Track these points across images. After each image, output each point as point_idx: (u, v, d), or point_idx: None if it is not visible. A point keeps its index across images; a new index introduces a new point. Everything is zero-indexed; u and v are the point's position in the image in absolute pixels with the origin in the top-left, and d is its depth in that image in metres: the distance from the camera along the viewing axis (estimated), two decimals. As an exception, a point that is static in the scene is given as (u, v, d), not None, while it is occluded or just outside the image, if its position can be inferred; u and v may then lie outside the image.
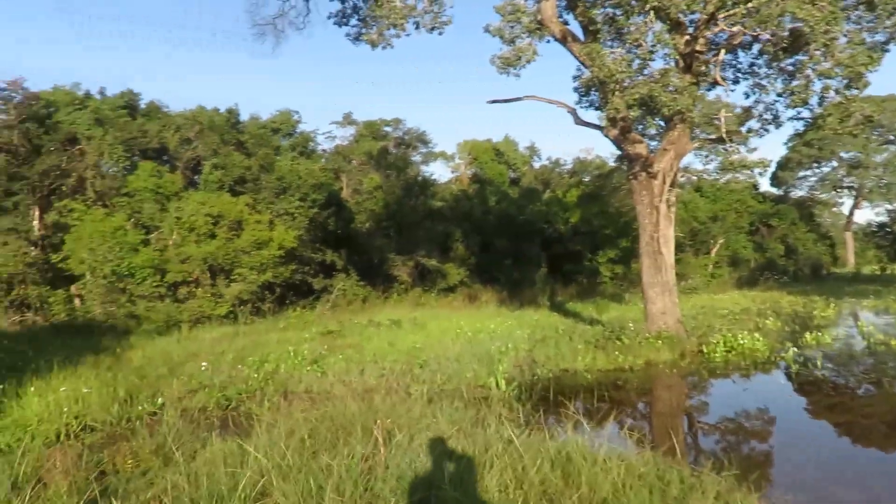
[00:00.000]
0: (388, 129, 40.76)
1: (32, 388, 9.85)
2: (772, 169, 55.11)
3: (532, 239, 34.87)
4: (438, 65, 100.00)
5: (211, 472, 5.58)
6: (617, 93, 13.56)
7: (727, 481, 5.50)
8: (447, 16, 15.50)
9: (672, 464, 5.80)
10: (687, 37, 14.42)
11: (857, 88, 13.24)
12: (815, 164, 57.27)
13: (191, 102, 57.75)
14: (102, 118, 30.27)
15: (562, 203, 38.12)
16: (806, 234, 50.97)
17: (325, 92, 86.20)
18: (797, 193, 58.82)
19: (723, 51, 14.91)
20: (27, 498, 5.19)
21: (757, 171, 20.53)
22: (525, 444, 5.93)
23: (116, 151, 29.26)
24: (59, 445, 7.32)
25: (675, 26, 14.12)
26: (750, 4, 12.41)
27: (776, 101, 15.49)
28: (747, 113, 16.22)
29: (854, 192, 58.75)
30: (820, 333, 16.12)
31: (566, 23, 15.98)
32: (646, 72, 13.78)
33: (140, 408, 9.40)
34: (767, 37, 13.45)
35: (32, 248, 24.92)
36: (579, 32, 15.72)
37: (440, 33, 15.31)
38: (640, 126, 16.72)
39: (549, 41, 15.67)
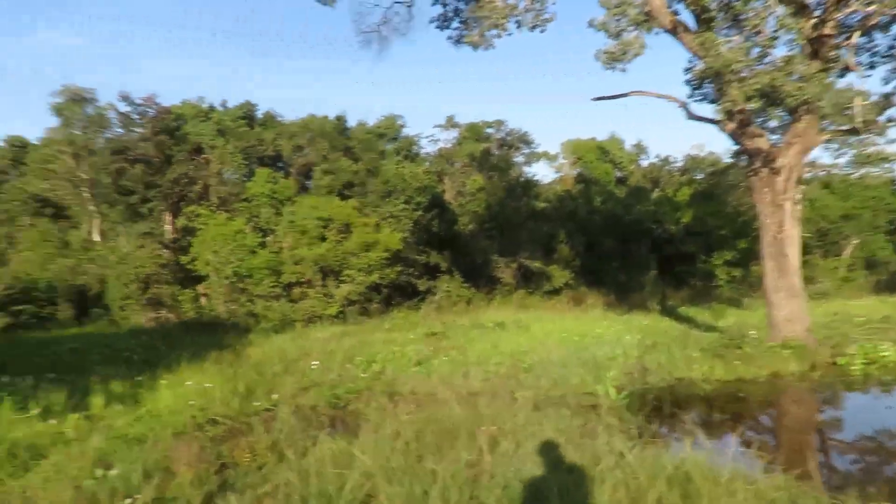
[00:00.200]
0: (490, 130, 40.72)
1: (164, 381, 10.63)
2: (915, 161, 49.56)
3: (640, 240, 33.54)
4: (540, 64, 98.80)
5: (320, 470, 5.70)
6: (734, 84, 12.64)
7: (875, 512, 4.90)
8: (550, 13, 15.15)
9: (808, 489, 5.26)
10: (814, 20, 13.21)
11: None
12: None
13: (303, 111, 60.65)
14: (224, 128, 32.49)
15: (672, 202, 36.39)
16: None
17: (428, 96, 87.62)
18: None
19: (856, 33, 13.54)
20: (156, 486, 5.54)
21: (897, 163, 18.51)
22: (639, 458, 5.59)
23: (236, 159, 31.31)
24: (185, 436, 7.80)
25: (800, 9, 12.98)
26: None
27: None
28: (886, 100, 14.63)
29: None
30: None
31: (676, 12, 15.12)
32: (766, 60, 12.79)
33: (257, 403, 9.87)
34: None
35: (165, 250, 27.12)
36: (691, 22, 14.84)
37: (542, 31, 14.99)
38: (761, 119, 15.55)
39: (657, 33, 14.91)
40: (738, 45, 12.44)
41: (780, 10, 12.14)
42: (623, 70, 14.02)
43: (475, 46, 15.15)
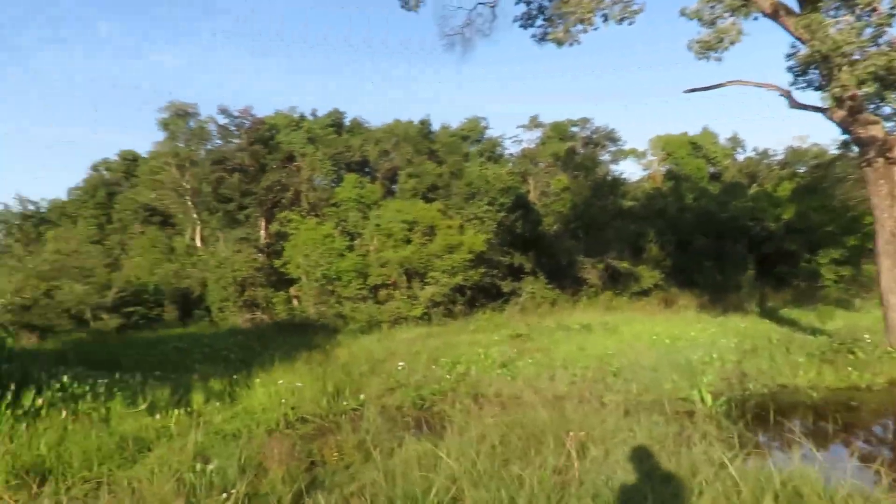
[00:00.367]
0: (575, 129, 39.97)
1: (258, 380, 11.07)
2: None
3: (736, 238, 31.78)
4: (626, 59, 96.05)
5: (406, 472, 5.71)
6: (845, 68, 11.69)
7: None
8: (638, 4, 14.61)
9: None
10: (937, -7, 11.99)
11: None
12: None
13: (388, 116, 61.89)
14: (314, 136, 33.68)
15: (772, 198, 34.25)
16: None
17: (511, 96, 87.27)
18: None
19: None
20: (249, 482, 5.73)
21: None
22: (741, 470, 5.20)
23: (325, 166, 32.37)
24: (277, 434, 8.06)
25: (921, -17, 11.82)
26: None
27: None
28: None
29: None
30: None
31: (777, -5, 14.20)
32: (882, 40, 11.73)
33: (345, 403, 10.08)
34: None
35: (260, 254, 28.42)
36: (793, 4, 13.87)
37: (630, 23, 14.48)
38: (874, 105, 14.29)
39: (756, 18, 14.05)
40: (850, 26, 11.50)
41: (897, -15, 11.13)
42: (719, 59, 13.30)
43: (560, 43, 14.85)
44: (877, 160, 13.11)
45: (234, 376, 11.69)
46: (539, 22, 16.16)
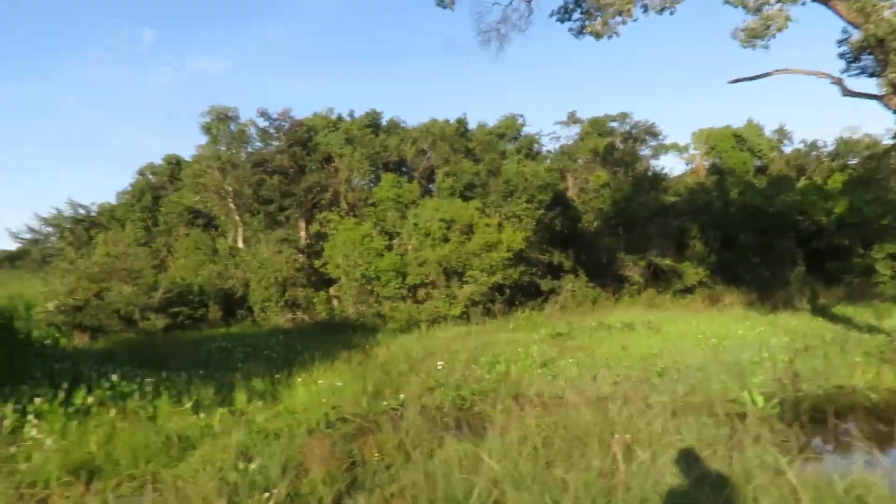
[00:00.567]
0: (614, 124, 39.28)
1: (299, 379, 11.16)
2: None
3: (784, 233, 30.74)
4: (666, 51, 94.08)
5: (447, 473, 5.62)
6: (902, 52, 11.14)
7: None
8: (680, -8, 14.20)
9: None
10: None
11: None
12: None
13: (425, 115, 62.07)
14: (352, 137, 33.90)
15: (822, 191, 33.01)
16: None
17: (548, 93, 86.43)
18: None
19: None
20: (290, 482, 5.73)
21: None
22: (800, 477, 4.94)
23: (363, 166, 32.57)
24: (318, 433, 8.08)
25: None
26: None
27: None
28: None
29: None
30: None
31: (828, -21, 13.62)
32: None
33: (384, 403, 10.07)
34: None
35: (300, 255, 28.75)
36: (845, -13, 13.29)
37: (671, 13, 14.09)
38: (934, 90, 13.59)
39: (804, 3, 13.50)
40: (906, 8, 10.95)
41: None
42: (766, 47, 12.83)
43: (598, 36, 14.54)
44: (938, 149, 12.45)
45: (276, 375, 11.82)
46: (576, 15, 15.84)
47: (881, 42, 11.35)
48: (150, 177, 41.26)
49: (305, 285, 27.02)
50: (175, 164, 40.39)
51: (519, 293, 26.90)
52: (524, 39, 75.56)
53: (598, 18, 14.58)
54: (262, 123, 31.80)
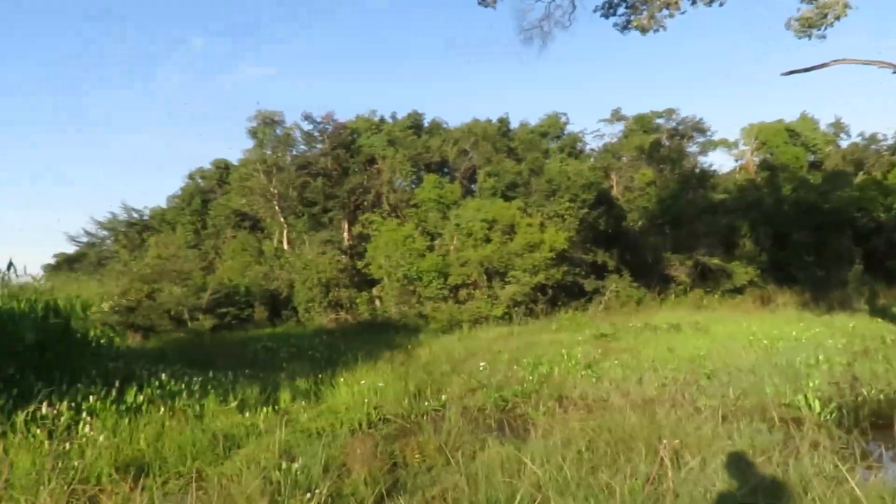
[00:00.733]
0: (660, 121, 38.49)
1: (342, 379, 11.24)
2: None
3: (841, 230, 29.53)
4: (714, 44, 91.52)
5: (489, 476, 5.54)
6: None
7: None
8: (728, -17, 13.77)
9: None
10: None
11: None
12: None
13: (466, 116, 61.89)
14: (394, 139, 34.10)
15: (882, 186, 31.61)
16: None
17: (592, 90, 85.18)
18: None
19: None
20: (332, 482, 5.74)
21: None
22: (864, 487, 4.67)
23: (405, 167, 32.72)
24: (360, 434, 8.10)
25: None
26: None
27: None
28: None
29: None
30: None
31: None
32: None
33: (426, 403, 10.04)
34: None
35: (343, 256, 29.07)
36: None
37: (721, 4, 13.68)
38: None
39: (862, -10, 12.93)
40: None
41: None
42: (823, 37, 12.32)
43: (644, 30, 14.24)
44: None
45: (319, 375, 11.93)
46: (621, 10, 15.57)
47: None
48: (200, 181, 42.41)
49: (348, 286, 27.28)
50: (223, 168, 41.39)
51: (562, 293, 26.57)
52: (567, 36, 74.64)
53: (644, 12, 14.28)
54: (307, 127, 32.36)
